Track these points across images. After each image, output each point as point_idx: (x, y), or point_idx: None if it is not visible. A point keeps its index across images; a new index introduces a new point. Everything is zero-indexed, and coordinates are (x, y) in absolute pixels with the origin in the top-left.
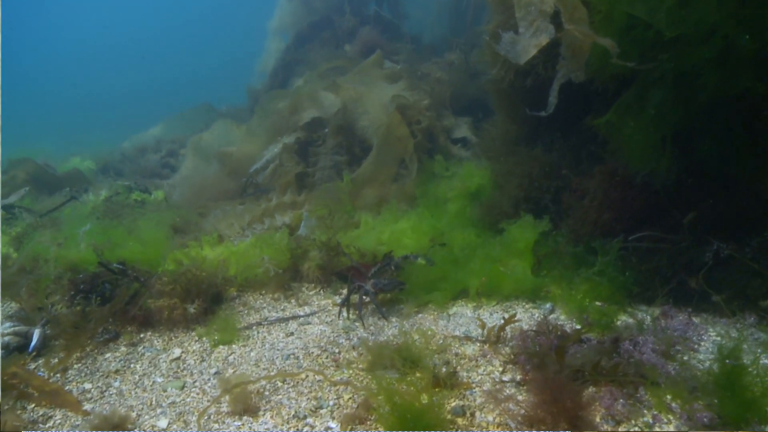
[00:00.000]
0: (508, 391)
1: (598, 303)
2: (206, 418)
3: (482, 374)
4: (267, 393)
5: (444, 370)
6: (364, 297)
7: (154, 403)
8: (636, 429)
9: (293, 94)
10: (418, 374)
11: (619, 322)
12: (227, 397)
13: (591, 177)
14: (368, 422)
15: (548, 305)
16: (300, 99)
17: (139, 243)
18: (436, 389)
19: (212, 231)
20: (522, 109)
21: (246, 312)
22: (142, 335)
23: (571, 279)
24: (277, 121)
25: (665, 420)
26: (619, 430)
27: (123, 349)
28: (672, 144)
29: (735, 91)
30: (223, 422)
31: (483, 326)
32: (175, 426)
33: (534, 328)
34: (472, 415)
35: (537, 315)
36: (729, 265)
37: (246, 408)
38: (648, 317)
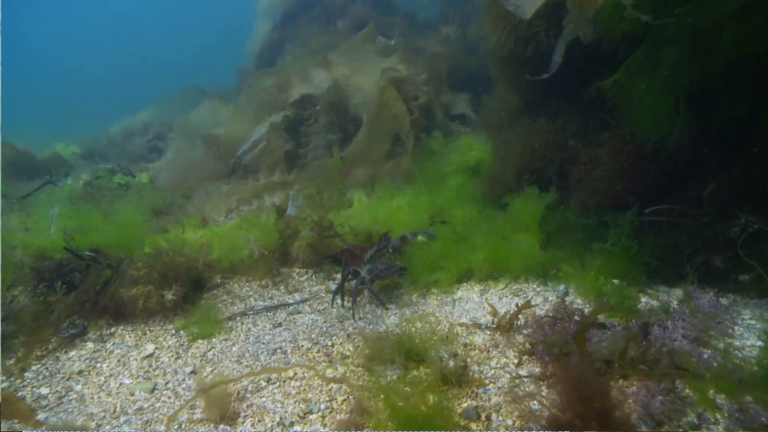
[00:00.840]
0: (526, 388)
1: (615, 281)
2: (175, 427)
3: (496, 368)
4: (249, 395)
5: (452, 364)
6: (359, 284)
7: (118, 409)
8: None
9: (281, 71)
10: (422, 369)
11: (640, 305)
12: (202, 401)
13: (600, 147)
14: (365, 430)
15: (562, 287)
16: (289, 76)
17: (115, 227)
18: (444, 387)
19: (196, 213)
20: (524, 79)
21: (230, 301)
22: (113, 329)
23: (583, 255)
24: (265, 100)
25: (712, 419)
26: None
27: (90, 345)
28: (686, 107)
29: (759, 48)
30: None
31: (494, 313)
32: None
33: (550, 313)
34: (488, 418)
35: (551, 298)
36: (758, 241)
37: (223, 414)
38: (671, 299)
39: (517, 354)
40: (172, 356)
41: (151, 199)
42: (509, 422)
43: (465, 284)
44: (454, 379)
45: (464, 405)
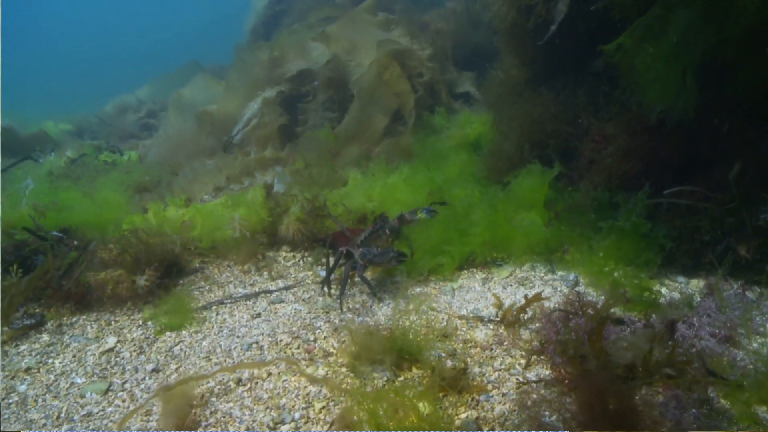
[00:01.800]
0: (535, 395)
1: (628, 269)
2: None
3: (500, 369)
4: (214, 399)
5: (450, 364)
6: (350, 269)
7: (63, 415)
8: None
9: (276, 45)
10: (416, 371)
11: (661, 298)
12: (158, 407)
13: (611, 122)
14: None
15: (572, 275)
16: (285, 50)
17: (93, 205)
18: (441, 394)
19: (180, 192)
20: (529, 51)
21: (207, 288)
22: (74, 318)
23: (592, 237)
24: (259, 75)
25: None
26: None
27: (45, 338)
28: (700, 78)
29: None
30: None
31: (498, 304)
32: None
33: (560, 305)
34: None
35: (560, 288)
36: None
37: (180, 423)
38: (689, 290)
39: (524, 354)
40: (134, 351)
41: (136, 176)
42: None
43: (466, 272)
44: (453, 384)
45: (463, 416)
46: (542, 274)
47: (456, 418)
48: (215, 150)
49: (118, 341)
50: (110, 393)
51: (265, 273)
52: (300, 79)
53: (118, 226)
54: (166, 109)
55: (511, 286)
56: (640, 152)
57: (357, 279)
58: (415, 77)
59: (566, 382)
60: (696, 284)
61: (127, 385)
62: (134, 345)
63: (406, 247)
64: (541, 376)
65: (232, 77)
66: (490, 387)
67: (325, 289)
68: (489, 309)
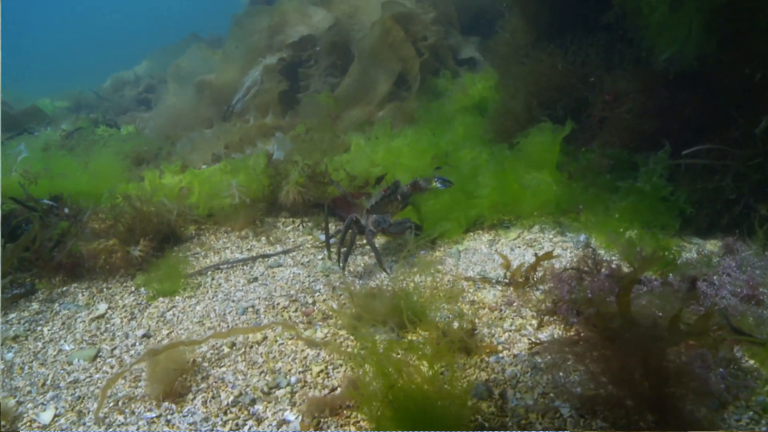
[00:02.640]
0: (548, 356)
1: (644, 231)
2: (110, 404)
3: (510, 330)
4: (206, 364)
5: (456, 325)
6: (356, 234)
7: (48, 382)
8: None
9: (277, 10)
10: (421, 332)
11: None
12: (147, 371)
13: (624, 80)
14: (344, 412)
15: (582, 236)
16: (285, 15)
17: (87, 173)
18: (448, 356)
19: (177, 160)
20: (535, 8)
21: (203, 254)
22: (66, 288)
23: (606, 198)
24: (258, 42)
25: None
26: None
27: (35, 306)
28: (713, 24)
29: None
30: (132, 412)
31: (506, 264)
32: (63, 420)
33: (572, 265)
34: (502, 396)
35: (570, 249)
36: None
37: (168, 388)
38: (705, 251)
39: (535, 314)
40: (125, 317)
41: (133, 145)
42: (529, 402)
43: (472, 233)
44: (461, 345)
45: (471, 378)
46: (551, 236)
47: (463, 379)
48: (214, 120)
49: (109, 308)
50: (98, 359)
51: (263, 238)
52: (301, 45)
53: (112, 194)
54: (164, 83)
55: (519, 248)
56: (657, 110)
57: (359, 243)
58: (419, 41)
59: (579, 340)
60: (713, 245)
61: (117, 351)
62: (125, 311)
63: (413, 214)
64: (554, 336)
65: (230, 46)
66: (500, 348)
67: (325, 252)
68: (497, 271)
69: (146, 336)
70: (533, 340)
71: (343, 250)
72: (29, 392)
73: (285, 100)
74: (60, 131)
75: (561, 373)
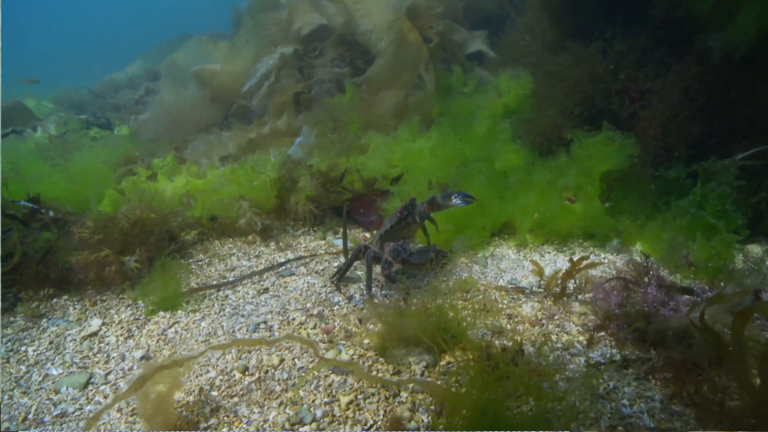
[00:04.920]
0: (610, 380)
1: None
2: None
3: (558, 348)
4: (215, 393)
5: (497, 343)
6: (370, 261)
7: (31, 416)
8: None
9: (289, 2)
10: (459, 353)
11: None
12: (140, 405)
13: (669, 78)
14: None
15: (615, 241)
16: (297, 6)
17: (66, 177)
18: (499, 381)
19: (167, 154)
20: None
21: (207, 261)
22: (55, 300)
23: (651, 212)
24: (273, 34)
25: None
26: None
27: (19, 322)
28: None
29: None
30: None
31: (539, 272)
32: None
33: (614, 274)
34: None
35: (603, 255)
36: None
37: (169, 422)
38: (754, 257)
39: (581, 328)
40: (121, 335)
41: (123, 148)
42: None
43: (496, 238)
44: (510, 370)
45: (524, 408)
46: (581, 240)
47: (516, 412)
48: (218, 120)
49: (104, 324)
50: (90, 387)
51: (272, 244)
52: (308, 38)
53: (98, 200)
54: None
55: (548, 253)
56: (704, 111)
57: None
58: (427, 29)
59: (634, 360)
60: (753, 250)
61: (111, 377)
62: (122, 328)
63: (430, 226)
64: (609, 356)
65: (240, 37)
66: (554, 371)
67: (342, 260)
68: (528, 278)
69: (145, 358)
70: (586, 358)
71: (363, 276)
72: (7, 428)
73: (296, 98)
74: (49, 132)
75: (625, 401)
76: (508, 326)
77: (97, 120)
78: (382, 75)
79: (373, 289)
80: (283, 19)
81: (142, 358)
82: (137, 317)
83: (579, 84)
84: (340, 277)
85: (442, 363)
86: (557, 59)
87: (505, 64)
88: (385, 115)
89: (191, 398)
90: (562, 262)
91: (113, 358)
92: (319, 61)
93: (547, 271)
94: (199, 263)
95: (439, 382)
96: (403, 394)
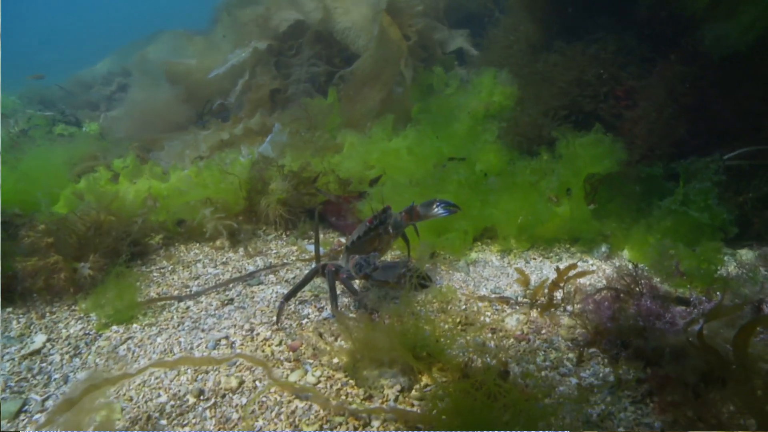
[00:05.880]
0: (603, 404)
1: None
2: None
3: (546, 367)
4: (164, 422)
5: (479, 361)
6: (332, 278)
7: None
8: None
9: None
10: (436, 373)
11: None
12: None
13: (653, 78)
14: None
15: (603, 247)
16: (275, 2)
17: (14, 176)
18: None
19: (129, 154)
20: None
21: (170, 269)
22: None
23: (636, 215)
24: (250, 30)
25: None
26: None
27: None
28: None
29: None
30: None
31: (525, 281)
32: None
33: (601, 282)
34: None
35: (591, 261)
36: None
37: None
38: (747, 263)
39: (570, 344)
40: (67, 353)
41: (84, 147)
42: None
43: (479, 243)
44: (494, 392)
45: None
46: (567, 246)
47: None
48: (193, 118)
49: (49, 340)
50: (23, 415)
51: (241, 250)
52: (285, 35)
53: (52, 201)
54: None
55: (534, 259)
56: (689, 112)
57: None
58: (405, 27)
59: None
60: (745, 255)
61: (49, 403)
62: (69, 345)
63: (413, 237)
64: (601, 375)
65: (217, 34)
66: (539, 395)
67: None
68: (513, 287)
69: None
70: (576, 378)
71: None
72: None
73: (271, 94)
74: (11, 128)
75: (621, 430)
76: (493, 343)
77: (64, 117)
78: (366, 70)
79: (344, 299)
80: (260, 15)
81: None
82: (88, 332)
83: (563, 83)
84: (288, 297)
85: (419, 386)
86: (541, 57)
87: (487, 62)
88: (369, 114)
89: (137, 427)
90: (548, 270)
91: (55, 380)
92: (296, 60)
93: (533, 279)
94: (162, 271)
95: (415, 409)
96: (375, 423)
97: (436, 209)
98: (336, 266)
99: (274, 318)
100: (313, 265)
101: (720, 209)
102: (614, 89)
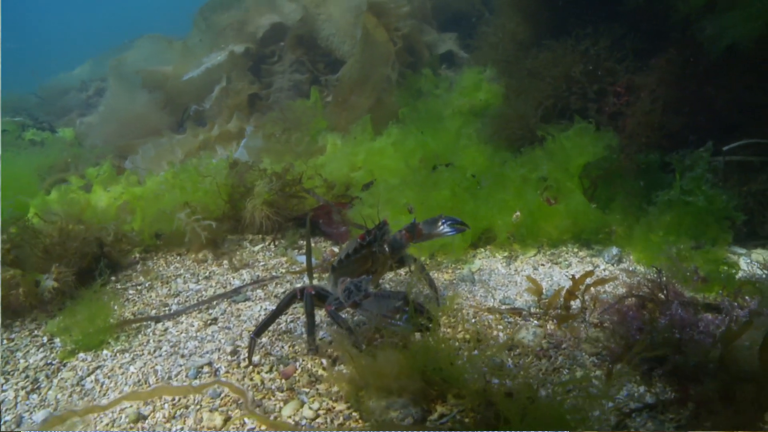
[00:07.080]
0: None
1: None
2: None
3: (573, 389)
4: None
5: (496, 384)
6: (310, 306)
7: None
8: None
9: (241, 3)
10: (452, 401)
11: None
12: None
13: (648, 72)
14: None
15: (614, 249)
16: (254, 4)
17: None
18: None
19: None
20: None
21: (147, 285)
22: None
23: (639, 207)
24: (227, 34)
25: None
26: None
27: None
28: None
29: None
30: None
31: (537, 290)
32: None
33: (620, 288)
34: None
35: (602, 266)
36: None
37: None
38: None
39: (595, 360)
40: (23, 388)
41: (56, 153)
42: None
43: (482, 249)
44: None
45: None
46: (576, 249)
47: None
48: (171, 124)
49: (2, 373)
50: None
51: (225, 262)
52: (265, 40)
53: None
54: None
55: (542, 265)
56: (684, 105)
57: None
58: (392, 30)
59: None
60: (760, 255)
61: None
62: (26, 378)
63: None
64: (635, 395)
65: (193, 38)
66: (572, 422)
67: (306, 280)
68: (524, 297)
69: (48, 420)
70: (614, 406)
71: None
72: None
73: (250, 99)
74: None
75: None
76: (510, 361)
77: (36, 122)
78: (353, 77)
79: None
80: (237, 20)
81: (45, 420)
82: (50, 361)
83: (554, 80)
84: (259, 332)
85: (433, 417)
86: (531, 54)
87: (477, 62)
88: (358, 122)
89: None
90: (558, 276)
91: (5, 422)
92: (278, 67)
93: (544, 286)
94: (138, 288)
95: None
96: None
97: (441, 227)
98: (317, 289)
99: (264, 339)
100: (297, 284)
101: (716, 192)
102: (612, 85)
